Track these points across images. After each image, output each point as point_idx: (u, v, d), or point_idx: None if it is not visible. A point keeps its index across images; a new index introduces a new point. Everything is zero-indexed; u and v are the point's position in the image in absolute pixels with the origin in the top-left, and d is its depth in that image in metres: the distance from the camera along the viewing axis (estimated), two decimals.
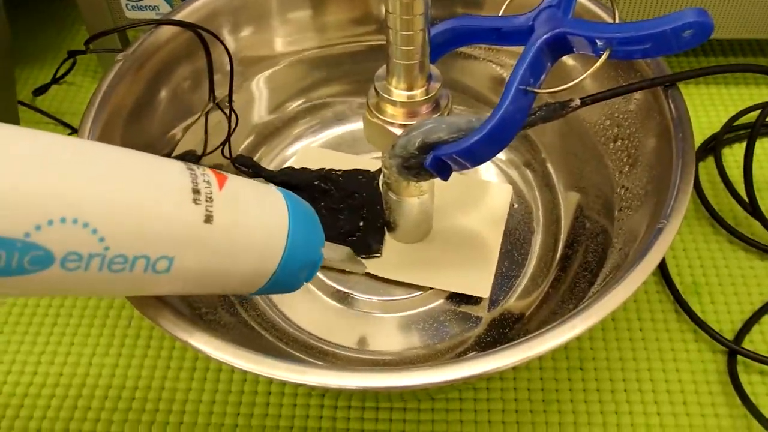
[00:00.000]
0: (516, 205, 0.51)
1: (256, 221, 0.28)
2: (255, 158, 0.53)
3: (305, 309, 0.46)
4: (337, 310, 0.46)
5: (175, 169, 0.26)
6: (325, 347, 0.44)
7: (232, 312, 0.44)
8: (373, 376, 0.30)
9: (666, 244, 0.33)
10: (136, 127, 0.43)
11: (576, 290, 0.42)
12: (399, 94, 0.36)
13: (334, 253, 0.38)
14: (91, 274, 0.23)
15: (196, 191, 0.26)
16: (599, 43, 0.33)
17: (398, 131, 0.37)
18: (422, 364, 0.39)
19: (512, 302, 0.46)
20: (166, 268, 0.25)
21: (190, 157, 0.49)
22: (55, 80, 0.63)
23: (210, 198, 0.26)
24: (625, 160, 0.43)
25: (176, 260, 0.25)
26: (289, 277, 0.30)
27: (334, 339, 0.44)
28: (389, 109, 0.37)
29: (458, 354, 0.43)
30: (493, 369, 0.29)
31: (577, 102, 0.37)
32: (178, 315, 0.31)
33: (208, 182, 0.27)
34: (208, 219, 0.26)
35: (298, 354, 0.43)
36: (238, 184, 0.29)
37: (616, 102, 0.43)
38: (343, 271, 0.47)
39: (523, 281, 0.47)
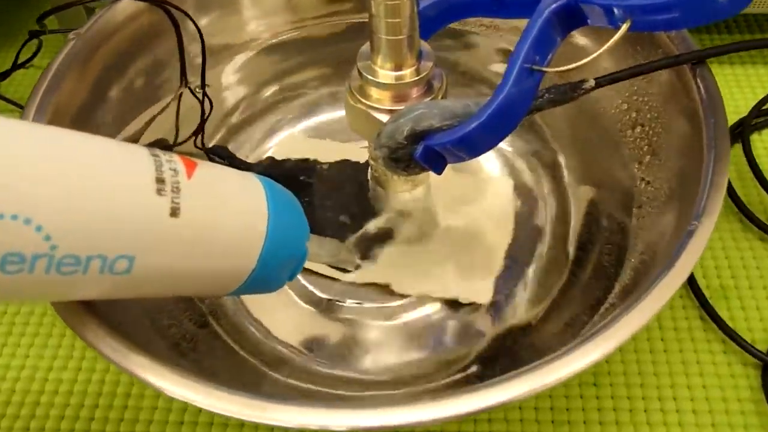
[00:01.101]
0: (520, 201, 0.47)
1: (231, 213, 0.27)
2: None
3: (284, 318, 0.42)
4: (321, 319, 0.42)
5: (136, 155, 0.25)
6: (306, 363, 0.41)
7: (201, 323, 0.40)
8: (356, 414, 0.26)
9: (698, 249, 0.29)
10: (89, 117, 0.40)
11: (590, 298, 0.38)
12: (385, 74, 0.34)
13: (321, 246, 0.37)
14: (36, 277, 0.21)
15: (160, 180, 0.24)
16: (617, 12, 0.30)
17: (385, 118, 0.34)
18: (419, 390, 0.37)
19: (517, 310, 0.42)
20: (126, 269, 0.23)
21: (161, 147, 0.44)
22: (19, 64, 0.57)
23: (177, 188, 0.24)
24: (645, 149, 0.40)
25: (138, 260, 0.24)
26: (269, 275, 0.29)
27: (317, 352, 0.41)
28: (374, 92, 0.35)
29: (459, 370, 0.39)
30: (503, 401, 0.26)
31: (591, 83, 0.34)
32: (118, 335, 0.28)
33: (174, 170, 0.25)
34: (175, 212, 0.24)
35: (273, 373, 0.39)
36: (209, 171, 0.27)
37: (635, 83, 0.40)
38: (326, 276, 0.43)
39: (529, 286, 0.43)
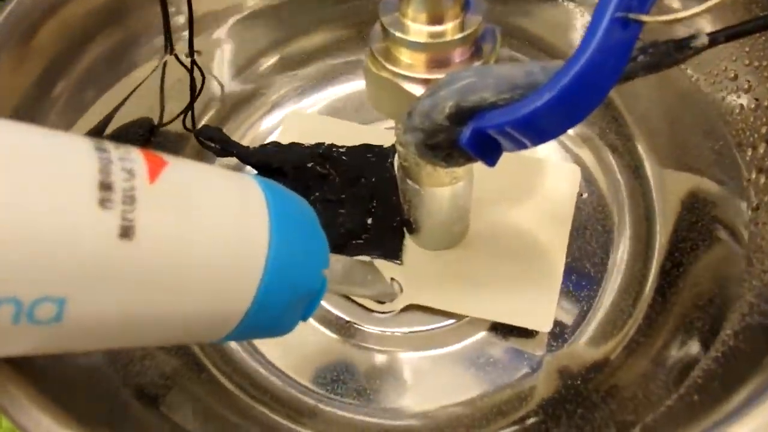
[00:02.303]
0: (585, 195, 0.41)
1: (214, 232, 0.22)
2: None
3: (290, 345, 0.37)
4: (337, 347, 0.37)
5: (71, 147, 0.20)
6: (315, 403, 0.35)
7: (179, 350, 0.35)
8: None
9: None
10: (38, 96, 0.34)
11: (689, 328, 0.32)
12: (419, 30, 0.28)
13: (347, 274, 0.31)
14: None
15: (105, 186, 0.19)
16: None
17: (418, 90, 0.29)
18: None
19: (587, 339, 0.36)
20: (53, 316, 0.19)
21: (142, 128, 0.41)
22: None
23: (131, 197, 0.19)
24: (764, 131, 0.34)
25: (71, 304, 0.19)
26: (271, 317, 0.24)
27: (331, 390, 0.35)
28: (404, 55, 0.29)
29: (515, 421, 0.33)
30: None
31: (704, 39, 0.27)
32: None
33: (129, 171, 0.20)
34: (127, 232, 0.19)
35: (272, 415, 0.34)
36: (183, 172, 0.22)
37: (746, 44, 0.34)
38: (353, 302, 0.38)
39: (601, 308, 0.37)
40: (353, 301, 0.37)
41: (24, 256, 0.18)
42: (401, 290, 0.37)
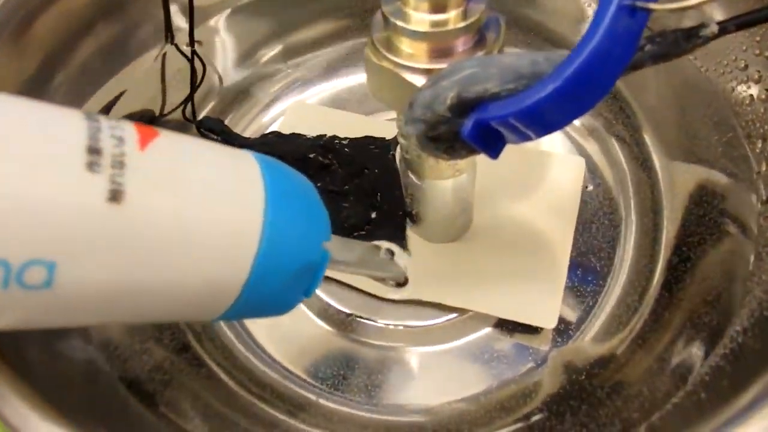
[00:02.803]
0: (591, 187, 0.40)
1: (206, 199, 0.21)
2: None
3: (290, 340, 0.36)
4: (338, 341, 0.36)
5: (62, 115, 0.19)
6: (316, 398, 0.34)
7: (177, 345, 0.34)
8: None
9: None
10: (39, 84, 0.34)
11: (698, 324, 0.31)
12: (421, 19, 0.27)
13: (351, 250, 0.30)
14: None
15: (93, 150, 0.19)
16: None
17: (420, 80, 0.28)
18: None
19: (592, 335, 0.35)
20: (43, 281, 0.18)
21: (143, 119, 0.40)
22: None
23: (120, 162, 0.19)
24: None
25: (61, 268, 0.18)
26: (271, 290, 0.23)
27: (333, 386, 0.35)
28: (405, 45, 0.28)
29: (519, 418, 0.32)
30: None
31: (714, 28, 0.26)
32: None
33: (119, 138, 0.20)
34: (115, 196, 0.19)
35: (272, 411, 0.33)
36: (175, 142, 0.22)
37: (756, 33, 0.33)
38: (347, 285, 0.37)
39: (607, 303, 0.36)
40: (355, 294, 0.37)
41: (10, 217, 0.18)
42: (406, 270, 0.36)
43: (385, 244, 0.37)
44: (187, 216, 0.21)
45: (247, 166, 0.23)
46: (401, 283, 0.36)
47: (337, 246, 0.26)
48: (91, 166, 0.19)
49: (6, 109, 0.19)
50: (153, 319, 0.23)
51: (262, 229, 0.22)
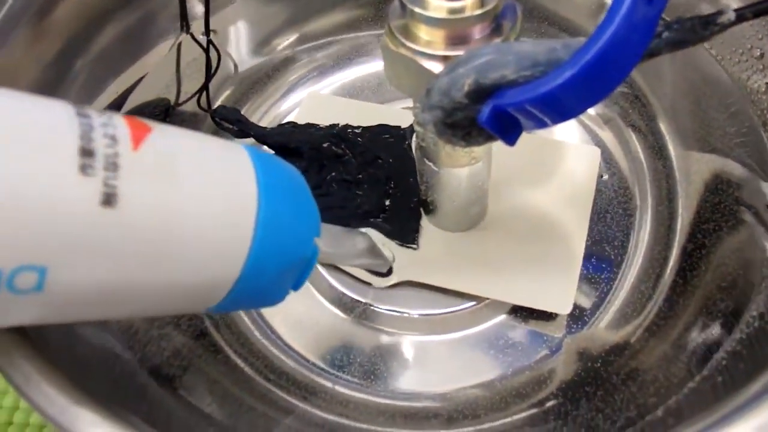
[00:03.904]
0: (606, 176, 0.40)
1: (200, 199, 0.21)
2: None
3: (305, 327, 0.36)
4: (354, 329, 0.36)
5: (53, 113, 0.19)
6: (332, 385, 0.34)
7: (195, 331, 0.34)
8: None
9: None
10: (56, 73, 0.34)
11: (713, 311, 0.31)
12: (438, 6, 0.27)
13: (339, 243, 0.30)
14: None
15: (86, 152, 0.18)
16: None
17: (437, 67, 0.28)
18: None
19: (607, 322, 0.35)
20: (34, 284, 0.18)
21: (159, 108, 0.40)
22: None
23: (114, 164, 0.19)
24: None
25: (52, 272, 0.18)
26: (261, 286, 0.23)
27: (348, 372, 0.35)
28: (423, 32, 0.28)
29: (534, 404, 0.32)
30: None
31: (731, 15, 0.26)
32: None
33: (112, 137, 0.19)
34: (109, 199, 0.18)
35: (288, 397, 0.33)
36: (169, 139, 0.21)
37: None
38: (359, 279, 0.37)
39: (622, 290, 0.36)
40: (368, 283, 0.37)
41: (1, 223, 0.17)
42: (394, 260, 0.36)
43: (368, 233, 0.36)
44: (181, 217, 0.20)
45: (240, 161, 0.23)
46: (386, 273, 0.36)
47: (326, 240, 0.26)
48: (84, 169, 0.18)
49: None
50: (144, 315, 0.23)
51: (254, 227, 0.22)
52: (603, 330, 0.35)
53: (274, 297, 0.25)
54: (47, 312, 0.20)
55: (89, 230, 0.18)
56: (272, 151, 0.39)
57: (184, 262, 0.21)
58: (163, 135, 0.21)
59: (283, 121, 0.43)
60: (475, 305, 0.36)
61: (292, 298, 0.26)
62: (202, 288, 0.22)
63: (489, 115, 0.26)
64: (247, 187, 0.22)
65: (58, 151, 0.18)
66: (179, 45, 0.40)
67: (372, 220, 0.38)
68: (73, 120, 0.19)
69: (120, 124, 0.20)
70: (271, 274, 0.23)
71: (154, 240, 0.20)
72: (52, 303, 0.19)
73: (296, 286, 0.25)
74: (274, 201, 0.23)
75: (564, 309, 0.34)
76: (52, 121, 0.18)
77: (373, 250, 0.33)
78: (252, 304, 0.25)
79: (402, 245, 0.37)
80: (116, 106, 0.37)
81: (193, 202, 0.21)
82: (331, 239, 0.29)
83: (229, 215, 0.22)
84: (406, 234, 0.37)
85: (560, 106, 0.25)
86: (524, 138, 0.27)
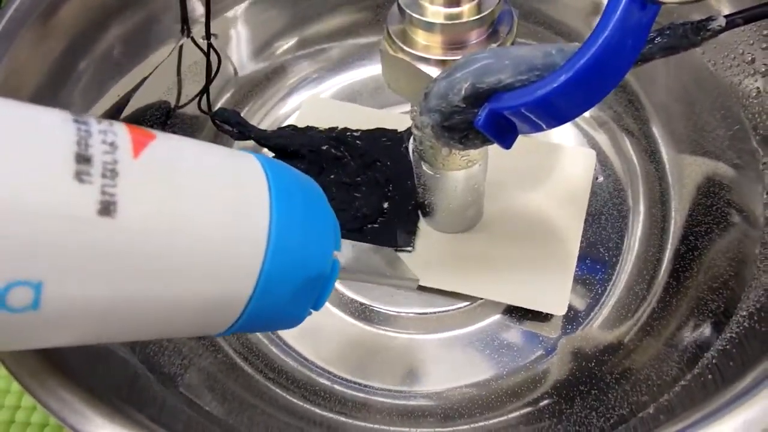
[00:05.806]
0: (600, 179, 0.40)
1: (207, 210, 0.19)
2: None
3: (305, 328, 0.34)
4: (352, 329, 0.36)
5: (47, 119, 0.17)
6: (330, 384, 0.34)
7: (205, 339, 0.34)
8: None
9: None
10: (58, 78, 0.34)
11: (704, 310, 0.31)
12: (436, 11, 0.27)
13: (362, 259, 0.28)
14: None
15: (83, 159, 0.17)
16: None
17: (435, 72, 0.28)
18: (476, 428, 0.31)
19: (601, 322, 0.35)
20: (29, 302, 0.16)
21: (160, 110, 0.40)
22: None
23: (112, 171, 0.17)
24: None
25: (48, 288, 0.16)
26: (278, 304, 0.21)
27: (347, 371, 0.35)
28: (421, 37, 0.28)
29: (529, 402, 0.33)
30: None
31: (721, 21, 0.26)
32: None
33: (111, 144, 0.17)
34: (108, 208, 0.17)
35: (288, 396, 0.33)
36: (171, 146, 0.19)
37: (764, 27, 0.33)
38: None
39: (616, 291, 0.36)
40: (369, 284, 0.36)
41: None
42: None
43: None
44: (186, 228, 0.19)
45: (250, 170, 0.21)
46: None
47: (347, 254, 0.25)
48: (80, 176, 0.17)
49: None
50: (150, 338, 0.21)
51: (267, 240, 0.20)
52: (597, 330, 0.35)
53: (293, 317, 0.23)
54: (43, 333, 0.18)
55: (86, 241, 0.17)
56: (272, 154, 0.39)
57: (190, 276, 0.19)
58: (167, 143, 0.19)
59: (283, 124, 0.43)
60: (470, 305, 0.36)
61: None
62: (211, 306, 0.20)
63: (485, 118, 0.26)
64: (258, 196, 0.21)
65: (52, 157, 0.16)
66: (180, 48, 0.40)
67: (370, 225, 0.38)
68: (69, 126, 0.17)
69: (121, 131, 0.18)
70: (288, 291, 0.21)
71: (156, 254, 0.18)
72: (49, 323, 0.17)
73: (317, 306, 0.23)
74: (288, 211, 0.21)
75: (559, 310, 0.34)
76: (44, 127, 0.17)
77: (400, 269, 0.30)
78: (269, 325, 0.23)
79: (398, 250, 0.37)
80: (118, 109, 0.37)
81: (199, 214, 0.19)
82: (352, 254, 0.27)
83: (239, 226, 0.20)
84: (403, 236, 0.37)
85: (556, 110, 0.25)
86: (520, 140, 0.27)
